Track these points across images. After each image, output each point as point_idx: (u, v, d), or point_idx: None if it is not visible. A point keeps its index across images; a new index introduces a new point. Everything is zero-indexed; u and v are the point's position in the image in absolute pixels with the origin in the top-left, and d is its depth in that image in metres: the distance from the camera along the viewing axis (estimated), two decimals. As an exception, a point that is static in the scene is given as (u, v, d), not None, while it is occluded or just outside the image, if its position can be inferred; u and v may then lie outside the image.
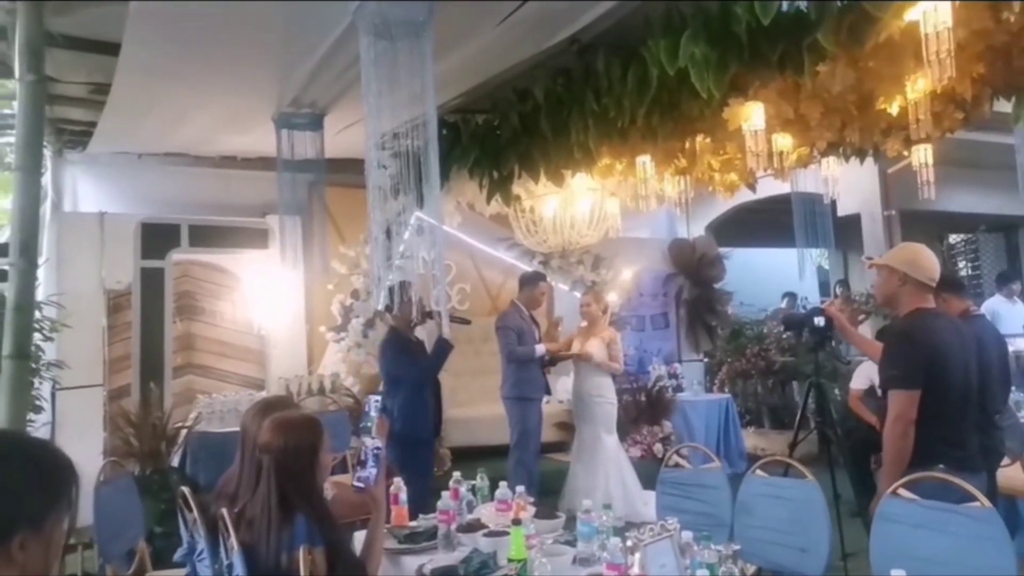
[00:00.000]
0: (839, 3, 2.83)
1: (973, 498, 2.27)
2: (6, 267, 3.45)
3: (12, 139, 6.28)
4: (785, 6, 1.81)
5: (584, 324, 5.53)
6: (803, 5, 1.77)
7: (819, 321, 4.12)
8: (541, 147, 4.71)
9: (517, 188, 5.41)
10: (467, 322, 5.31)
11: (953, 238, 10.92)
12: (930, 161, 4.76)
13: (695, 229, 8.87)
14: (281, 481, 2.19)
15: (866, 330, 7.08)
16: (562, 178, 5.00)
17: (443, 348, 4.62)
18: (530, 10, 3.67)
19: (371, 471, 2.40)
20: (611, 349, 5.33)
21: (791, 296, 10.28)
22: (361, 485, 2.41)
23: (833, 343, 4.61)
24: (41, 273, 3.66)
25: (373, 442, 2.44)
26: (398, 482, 3.12)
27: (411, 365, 4.57)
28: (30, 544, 1.09)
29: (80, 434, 5.24)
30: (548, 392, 5.59)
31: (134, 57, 3.96)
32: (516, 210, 6.21)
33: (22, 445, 1.24)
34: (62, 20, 3.75)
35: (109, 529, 3.20)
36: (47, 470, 1.16)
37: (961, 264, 10.79)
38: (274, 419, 2.31)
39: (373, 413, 2.53)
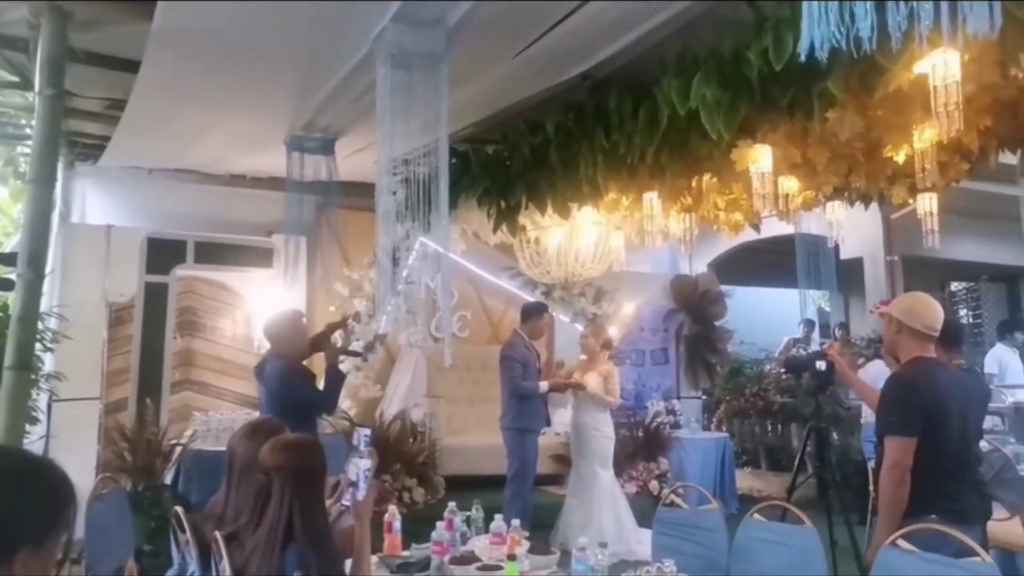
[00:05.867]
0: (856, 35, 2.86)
1: (969, 551, 2.26)
2: (11, 276, 3.47)
3: (23, 148, 6.38)
4: (802, 56, 1.84)
5: (583, 357, 5.55)
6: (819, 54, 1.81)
7: (821, 365, 4.12)
8: (549, 179, 4.75)
9: (523, 219, 5.45)
10: (359, 354, 5.46)
11: (955, 286, 10.94)
12: (935, 210, 4.80)
13: (698, 266, 8.88)
14: (292, 502, 2.17)
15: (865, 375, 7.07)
16: (568, 211, 5.04)
17: (338, 379, 4.08)
18: (545, 45, 3.73)
19: (362, 490, 2.38)
20: (608, 383, 5.34)
21: (808, 323, 9.55)
22: (348, 503, 2.39)
23: (833, 387, 4.61)
24: (45, 284, 3.66)
25: (363, 463, 2.41)
26: (393, 510, 3.10)
27: (311, 396, 3.95)
28: (30, 562, 1.10)
29: (74, 447, 5.20)
30: (548, 424, 5.59)
31: (153, 75, 4.01)
32: (521, 240, 6.24)
33: (25, 464, 1.24)
34: (85, 36, 3.80)
35: (99, 546, 3.16)
36: (49, 489, 1.17)
37: (962, 312, 10.80)
38: (280, 440, 2.31)
39: (363, 448, 2.49)
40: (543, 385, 5.29)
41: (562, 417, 6.43)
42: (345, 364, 6.25)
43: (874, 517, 3.52)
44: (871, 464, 5.07)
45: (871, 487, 4.68)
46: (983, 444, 3.54)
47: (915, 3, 1.79)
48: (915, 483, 2.55)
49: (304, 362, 4.13)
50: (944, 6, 1.78)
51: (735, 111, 3.37)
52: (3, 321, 4.15)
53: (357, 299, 6.41)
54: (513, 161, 5.02)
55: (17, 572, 1.08)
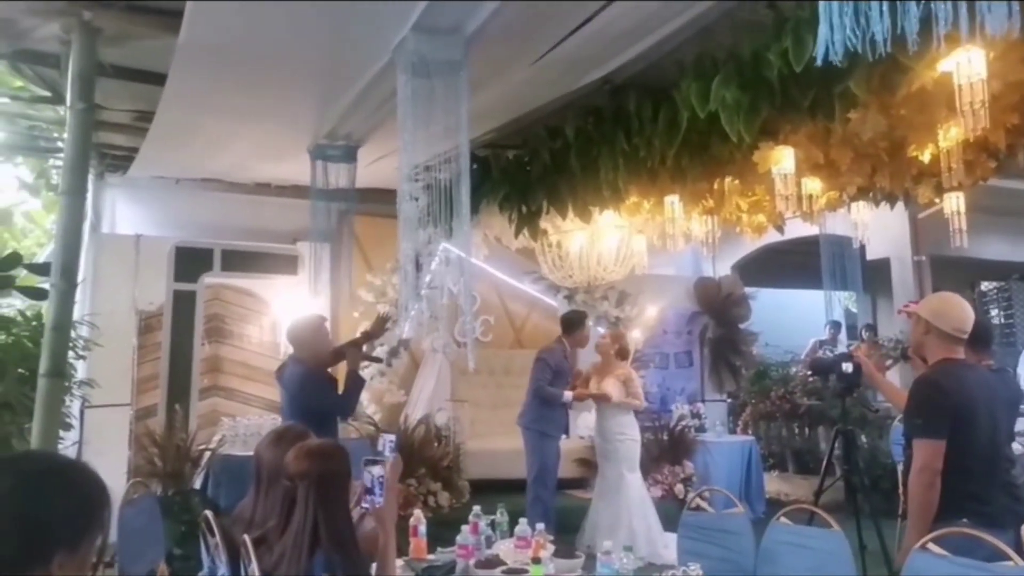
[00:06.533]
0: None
1: (1001, 555, 2.22)
2: (45, 286, 3.55)
3: (54, 161, 6.52)
4: (819, 60, 1.83)
5: (599, 360, 5.56)
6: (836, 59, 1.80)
7: (847, 367, 4.08)
8: (570, 184, 4.76)
9: (544, 223, 5.46)
10: (379, 360, 5.66)
11: (985, 285, 10.74)
12: (962, 209, 4.72)
13: (721, 268, 8.82)
14: (317, 508, 2.20)
15: (893, 376, 6.99)
16: (590, 215, 5.04)
17: (357, 384, 4.11)
18: (563, 51, 3.74)
19: (379, 496, 2.40)
20: (628, 387, 5.33)
21: (834, 325, 9.43)
22: (367, 506, 2.41)
23: (860, 389, 4.56)
24: (77, 293, 3.75)
25: (377, 469, 2.43)
26: (418, 514, 3.13)
27: (329, 400, 3.98)
28: (67, 565, 1.13)
29: (106, 452, 5.28)
30: (566, 432, 5.61)
31: (179, 88, 4.09)
32: (543, 244, 6.24)
33: (60, 467, 1.27)
34: (113, 51, 3.89)
35: (131, 550, 3.23)
36: (86, 494, 1.19)
37: (993, 312, 10.60)
38: (304, 447, 2.34)
39: (388, 453, 2.51)
40: (567, 395, 5.32)
41: (585, 420, 6.42)
42: (369, 370, 6.32)
43: (903, 521, 3.47)
44: (900, 467, 5.01)
45: (900, 490, 4.63)
46: (1015, 446, 3.48)
47: (932, 4, 1.77)
48: (944, 486, 2.53)
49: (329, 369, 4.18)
50: (963, 6, 1.76)
51: (755, 113, 3.36)
52: (37, 330, 4.25)
53: (381, 304, 6.46)
54: (533, 166, 5.04)
55: (55, 574, 1.11)
